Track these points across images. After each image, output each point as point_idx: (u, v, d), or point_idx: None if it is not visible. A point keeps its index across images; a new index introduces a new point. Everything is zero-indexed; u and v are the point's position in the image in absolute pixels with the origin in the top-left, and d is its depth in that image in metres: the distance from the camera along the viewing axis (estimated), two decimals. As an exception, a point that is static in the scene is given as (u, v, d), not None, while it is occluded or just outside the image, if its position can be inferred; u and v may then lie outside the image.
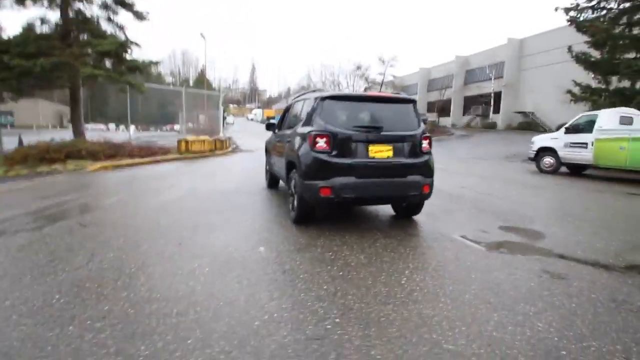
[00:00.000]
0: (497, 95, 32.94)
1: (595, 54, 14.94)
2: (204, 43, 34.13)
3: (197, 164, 11.06)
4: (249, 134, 31.23)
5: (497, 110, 33.17)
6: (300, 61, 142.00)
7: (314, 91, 4.84)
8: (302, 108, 4.69)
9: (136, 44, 11.91)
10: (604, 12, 15.16)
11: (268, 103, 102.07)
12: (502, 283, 2.89)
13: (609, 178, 10.28)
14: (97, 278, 2.76)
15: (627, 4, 13.19)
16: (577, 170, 11.17)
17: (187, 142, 12.45)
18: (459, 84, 37.72)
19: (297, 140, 4.30)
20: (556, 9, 16.07)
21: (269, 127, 6.27)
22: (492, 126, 32.41)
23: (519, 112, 31.02)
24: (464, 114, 38.00)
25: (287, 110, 5.97)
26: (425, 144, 4.24)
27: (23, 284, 2.63)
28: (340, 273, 2.99)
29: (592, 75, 15.53)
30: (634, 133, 8.95)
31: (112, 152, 10.67)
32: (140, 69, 11.41)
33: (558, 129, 25.66)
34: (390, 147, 4.03)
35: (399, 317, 2.30)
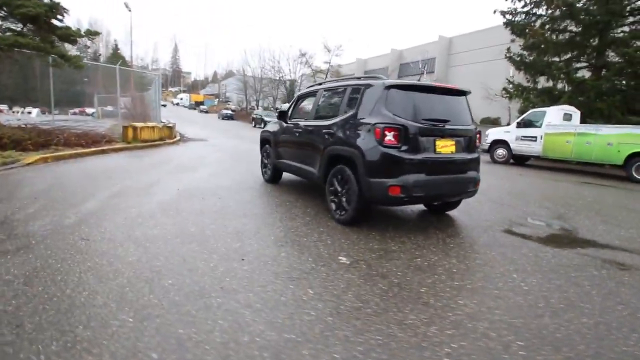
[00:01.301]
0: (429, 89, 35.23)
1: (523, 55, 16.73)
2: (125, 14, 30.18)
3: (157, 154, 9.61)
4: (185, 121, 28.69)
5: (428, 103, 35.54)
6: (230, 43, 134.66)
7: (358, 78, 4.36)
8: (346, 96, 4.21)
9: (65, 10, 9.81)
10: (534, 18, 16.94)
11: (193, 87, 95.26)
12: (608, 280, 2.91)
13: (550, 168, 11.62)
14: (202, 324, 2.06)
15: (557, 12, 14.91)
16: (521, 161, 12.40)
17: (135, 129, 10.73)
18: (395, 77, 39.46)
19: (352, 132, 3.84)
20: (495, 12, 17.49)
21: (282, 116, 5.55)
22: (425, 118, 34.70)
23: (448, 106, 33.71)
24: (398, 106, 39.95)
25: (303, 97, 5.39)
26: (476, 138, 4.14)
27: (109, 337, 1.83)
28: (456, 283, 2.72)
29: (512, 75, 17.52)
30: (579, 128, 10.20)
31: (42, 140, 8.68)
32: (76, 38, 9.41)
33: (482, 122, 28.27)
34: (454, 142, 3.83)
35: (574, 333, 2.12)
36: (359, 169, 3.65)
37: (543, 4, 16.25)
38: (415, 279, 2.75)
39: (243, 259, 2.94)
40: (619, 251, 3.67)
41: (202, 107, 53.48)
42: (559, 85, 16.15)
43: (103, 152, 9.20)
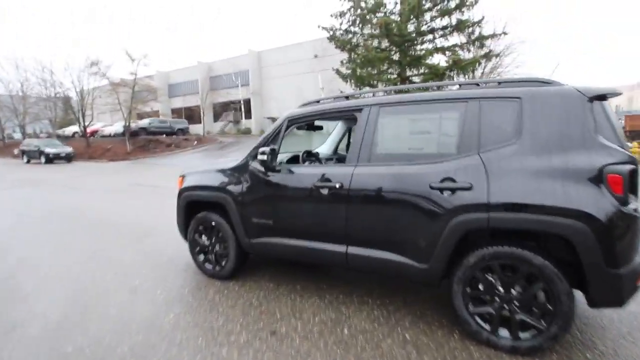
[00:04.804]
0: (247, 102, 34.39)
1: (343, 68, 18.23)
2: None
3: None
4: None
5: (249, 116, 34.67)
6: None
7: (477, 84, 2.44)
8: (467, 116, 2.30)
9: None
10: (350, 35, 18.59)
11: None
12: None
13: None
14: None
15: (377, 31, 16.76)
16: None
17: None
18: (205, 91, 36.35)
19: (534, 183, 2.04)
20: (319, 26, 18.29)
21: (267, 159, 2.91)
22: (247, 132, 33.36)
23: (269, 118, 33.71)
24: (215, 121, 37.25)
25: (298, 121, 3.06)
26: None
27: None
28: None
29: (322, 87, 19.10)
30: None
31: None
32: None
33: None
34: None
35: None
36: (586, 256, 1.93)
37: (358, 23, 18.04)
38: None
39: None
40: None
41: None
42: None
43: None
